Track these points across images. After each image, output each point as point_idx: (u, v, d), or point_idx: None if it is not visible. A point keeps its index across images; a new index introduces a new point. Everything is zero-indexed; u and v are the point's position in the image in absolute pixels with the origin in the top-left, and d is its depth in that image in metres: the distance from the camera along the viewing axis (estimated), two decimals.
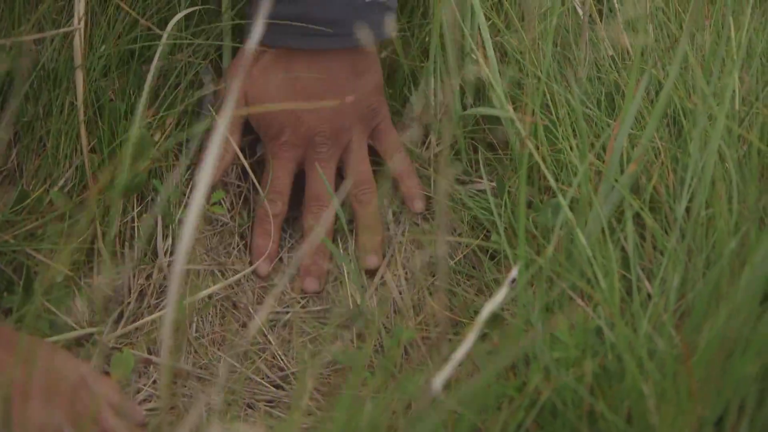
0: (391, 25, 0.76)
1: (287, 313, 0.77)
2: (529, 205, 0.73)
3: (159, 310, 0.74)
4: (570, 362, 0.58)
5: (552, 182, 0.57)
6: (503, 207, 0.72)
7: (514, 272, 0.48)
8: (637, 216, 0.66)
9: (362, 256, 0.78)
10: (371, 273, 0.79)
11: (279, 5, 0.72)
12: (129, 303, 0.73)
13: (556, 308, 0.61)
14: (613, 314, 0.56)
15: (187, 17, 0.79)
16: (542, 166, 0.58)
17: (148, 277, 0.75)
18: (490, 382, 0.55)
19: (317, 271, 0.78)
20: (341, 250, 0.80)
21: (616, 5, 0.79)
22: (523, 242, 0.59)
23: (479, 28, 0.77)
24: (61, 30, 0.69)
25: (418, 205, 0.80)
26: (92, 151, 0.74)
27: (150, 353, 0.71)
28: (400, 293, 0.78)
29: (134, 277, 0.75)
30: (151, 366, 0.70)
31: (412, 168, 0.81)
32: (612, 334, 0.56)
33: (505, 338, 0.57)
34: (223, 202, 0.80)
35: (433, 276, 0.77)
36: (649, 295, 0.62)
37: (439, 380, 0.41)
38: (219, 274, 0.77)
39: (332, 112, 0.77)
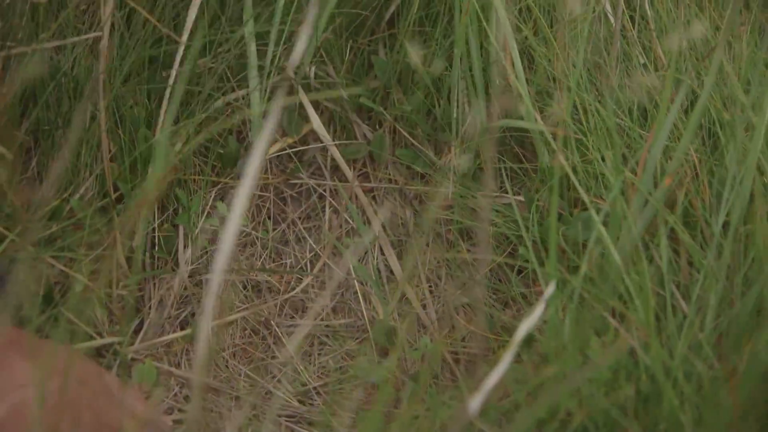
0: None
1: (308, 326, 0.76)
2: (558, 218, 0.71)
3: (180, 321, 0.73)
4: (602, 383, 0.56)
5: (584, 197, 0.55)
6: (531, 221, 0.70)
7: (549, 290, 0.47)
8: (671, 231, 0.64)
9: None
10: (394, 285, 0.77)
11: None
12: (149, 313, 0.72)
13: (588, 327, 0.59)
14: (648, 334, 0.54)
15: (210, 23, 0.78)
16: (573, 180, 0.57)
17: (169, 287, 0.73)
18: (520, 404, 0.53)
19: None
20: (364, 263, 0.78)
21: (649, 12, 0.77)
22: (554, 260, 0.57)
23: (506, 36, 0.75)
24: (84, 36, 0.68)
25: None
26: (112, 159, 0.73)
27: (171, 365, 0.69)
28: (424, 307, 0.77)
29: (155, 287, 0.74)
30: (172, 378, 0.69)
31: None
32: (647, 355, 0.54)
33: (536, 359, 0.55)
34: (245, 213, 0.79)
35: (459, 290, 0.76)
36: (684, 315, 0.60)
37: (475, 403, 0.39)
38: (240, 286, 0.76)
39: None
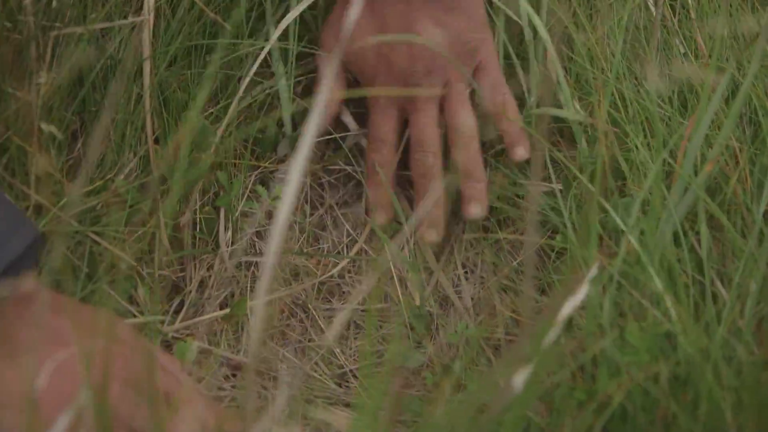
0: None
1: (344, 309, 0.77)
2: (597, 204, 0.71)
3: (219, 302, 0.74)
4: (641, 366, 0.56)
5: (611, 184, 0.55)
6: (570, 207, 0.71)
7: (593, 271, 0.47)
8: (711, 219, 0.64)
9: (465, 206, 0.76)
10: (430, 272, 0.78)
11: None
12: (190, 293, 0.74)
13: (627, 311, 0.59)
14: (686, 319, 0.55)
15: (249, 9, 0.79)
16: (606, 171, 0.57)
17: (209, 267, 0.75)
18: (559, 385, 0.53)
19: (434, 220, 0.76)
20: (402, 249, 0.79)
21: (690, 0, 0.77)
22: (595, 243, 0.57)
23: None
24: (131, 20, 0.69)
25: (520, 153, 0.76)
26: (156, 141, 0.74)
27: (211, 345, 0.71)
28: (459, 293, 0.77)
29: (195, 267, 0.75)
30: (212, 357, 0.70)
31: (515, 107, 0.77)
32: (685, 339, 0.54)
33: (575, 341, 0.56)
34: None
35: (495, 275, 0.76)
36: (723, 302, 0.60)
37: (519, 380, 0.39)
38: (278, 269, 0.77)
39: (423, 50, 0.73)
